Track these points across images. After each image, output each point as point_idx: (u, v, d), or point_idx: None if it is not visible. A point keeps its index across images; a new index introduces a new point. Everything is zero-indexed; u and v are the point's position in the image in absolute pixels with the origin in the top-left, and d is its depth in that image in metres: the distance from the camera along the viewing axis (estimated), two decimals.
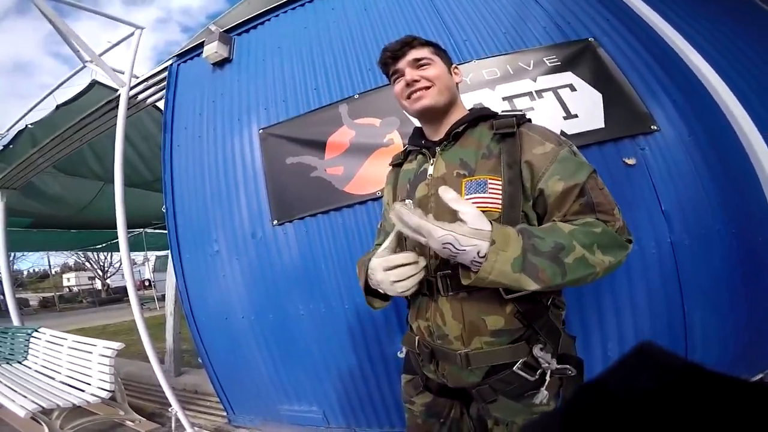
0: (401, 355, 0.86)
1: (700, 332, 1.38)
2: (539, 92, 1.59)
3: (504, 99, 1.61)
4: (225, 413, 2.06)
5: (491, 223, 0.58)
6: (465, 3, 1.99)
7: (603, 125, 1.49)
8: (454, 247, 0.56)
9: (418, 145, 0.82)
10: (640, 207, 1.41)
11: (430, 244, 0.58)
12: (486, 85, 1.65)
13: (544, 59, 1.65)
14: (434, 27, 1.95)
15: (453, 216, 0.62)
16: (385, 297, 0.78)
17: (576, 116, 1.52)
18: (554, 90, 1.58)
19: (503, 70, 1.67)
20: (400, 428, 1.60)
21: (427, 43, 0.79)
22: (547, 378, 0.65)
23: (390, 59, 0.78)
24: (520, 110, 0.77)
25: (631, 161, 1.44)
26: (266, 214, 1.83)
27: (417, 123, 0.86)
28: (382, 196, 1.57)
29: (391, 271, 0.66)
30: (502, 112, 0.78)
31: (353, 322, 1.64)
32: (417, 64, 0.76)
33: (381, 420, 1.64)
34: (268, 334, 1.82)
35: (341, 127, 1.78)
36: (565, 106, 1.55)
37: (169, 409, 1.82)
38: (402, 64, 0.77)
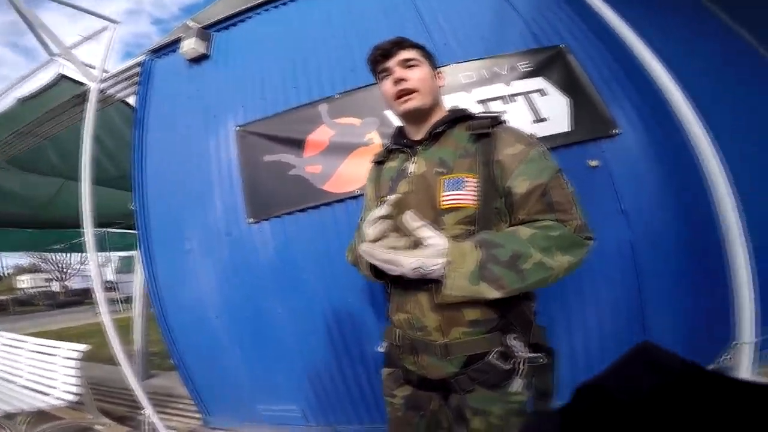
0: (381, 350, 0.91)
1: (655, 324, 1.53)
2: (512, 96, 1.71)
3: (479, 102, 1.72)
4: (200, 415, 2.06)
5: (449, 241, 0.67)
6: (447, 7, 2.09)
7: (570, 128, 1.63)
8: (424, 269, 0.65)
9: (401, 144, 0.89)
10: (602, 207, 1.55)
11: (404, 272, 0.67)
12: (462, 89, 1.76)
13: (518, 64, 1.77)
14: (416, 29, 2.04)
15: (430, 208, 0.75)
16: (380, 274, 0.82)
17: (545, 120, 1.65)
18: (526, 94, 1.71)
19: (479, 75, 1.78)
20: (381, 424, 1.66)
21: (416, 46, 0.86)
22: (521, 366, 0.71)
23: (380, 56, 0.84)
24: (496, 112, 0.85)
25: (594, 163, 1.58)
26: (241, 212, 1.87)
27: (398, 122, 0.93)
28: (361, 195, 1.65)
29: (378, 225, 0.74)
30: (479, 113, 0.86)
31: (332, 320, 1.70)
32: (406, 64, 0.83)
33: (362, 416, 1.70)
34: (244, 333, 1.85)
35: (321, 125, 1.84)
36: (535, 109, 1.67)
37: (142, 412, 1.82)
38: (391, 62, 0.83)
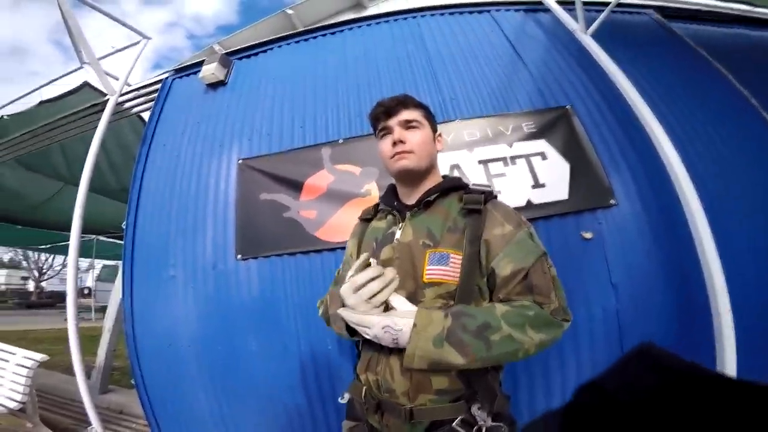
0: (342, 401, 0.88)
1: None
2: (513, 158, 1.73)
3: (480, 162, 1.74)
4: None
5: (418, 308, 0.70)
6: (459, 61, 2.18)
7: (567, 197, 1.63)
8: (393, 329, 0.66)
9: (390, 205, 0.89)
10: (592, 278, 1.53)
11: (374, 332, 0.68)
12: (465, 147, 1.79)
13: (523, 125, 1.80)
14: (426, 82, 2.13)
15: (411, 279, 0.76)
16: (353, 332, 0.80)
17: (543, 185, 1.66)
18: (527, 157, 1.73)
19: (483, 133, 1.82)
20: None
21: (419, 106, 0.87)
22: None
23: (382, 114, 0.85)
24: (488, 186, 0.86)
25: (588, 235, 1.57)
26: (231, 247, 1.85)
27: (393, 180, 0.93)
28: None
29: (363, 290, 0.70)
30: (473, 185, 0.86)
31: (308, 363, 1.64)
32: (407, 125, 0.84)
33: None
34: (214, 365, 1.77)
35: (321, 170, 1.87)
36: (534, 174, 1.69)
37: (89, 428, 1.75)
38: (392, 122, 0.84)
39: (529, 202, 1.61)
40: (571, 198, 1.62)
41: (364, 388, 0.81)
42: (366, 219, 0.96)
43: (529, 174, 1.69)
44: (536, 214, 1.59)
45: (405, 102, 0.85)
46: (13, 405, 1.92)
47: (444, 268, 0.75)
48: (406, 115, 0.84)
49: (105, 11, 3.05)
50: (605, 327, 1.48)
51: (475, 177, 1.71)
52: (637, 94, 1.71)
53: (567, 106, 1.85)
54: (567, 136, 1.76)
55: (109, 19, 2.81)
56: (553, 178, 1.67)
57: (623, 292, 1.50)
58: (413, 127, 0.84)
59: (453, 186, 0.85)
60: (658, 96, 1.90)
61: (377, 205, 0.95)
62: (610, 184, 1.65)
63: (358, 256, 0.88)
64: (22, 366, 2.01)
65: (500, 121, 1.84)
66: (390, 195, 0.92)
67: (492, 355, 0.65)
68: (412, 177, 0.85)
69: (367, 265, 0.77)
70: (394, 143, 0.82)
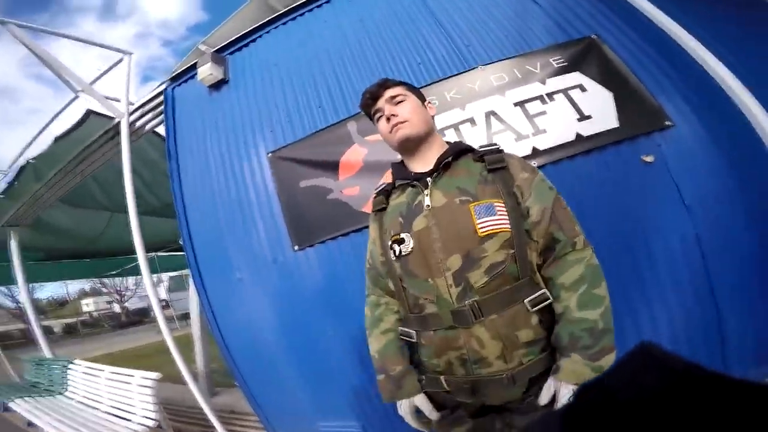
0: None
1: (734, 325, 1.40)
2: (550, 95, 1.60)
3: (516, 104, 1.61)
4: (265, 431, 2.17)
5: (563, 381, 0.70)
6: (462, 8, 1.96)
7: (617, 124, 1.50)
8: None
9: (408, 177, 0.85)
10: (662, 203, 1.43)
11: None
12: (496, 92, 1.65)
13: (551, 60, 1.64)
14: (434, 34, 1.94)
15: (462, 239, 0.73)
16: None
17: (590, 117, 1.53)
18: (565, 91, 1.59)
19: (511, 75, 1.67)
20: None
21: (399, 83, 0.89)
22: None
23: (370, 101, 0.88)
24: (494, 144, 0.86)
25: (648, 158, 1.46)
26: (285, 239, 1.86)
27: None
28: None
29: None
30: (480, 147, 0.87)
31: None
32: (393, 101, 0.86)
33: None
34: (298, 355, 1.87)
35: (352, 145, 1.80)
36: (577, 107, 1.55)
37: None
38: (380, 103, 0.87)
39: (578, 136, 1.50)
40: (622, 125, 1.49)
41: (442, 377, 0.78)
42: (380, 209, 0.89)
43: (571, 108, 1.55)
44: (589, 146, 1.48)
45: (385, 84, 0.88)
46: (151, 423, 2.06)
47: (494, 218, 0.73)
48: (390, 92, 0.86)
49: (75, 36, 2.93)
50: (686, 258, 1.39)
51: (513, 121, 1.59)
52: (663, 14, 1.50)
53: (592, 36, 1.67)
54: (602, 65, 1.61)
55: (73, 44, 2.70)
56: (598, 108, 1.53)
57: (700, 216, 1.40)
58: (400, 102, 0.86)
59: (463, 149, 0.86)
60: (688, 18, 1.63)
61: (385, 190, 0.90)
62: (661, 105, 1.51)
63: (381, 242, 0.85)
64: (145, 386, 2.14)
65: (526, 60, 1.68)
66: (401, 169, 0.89)
67: (610, 317, 0.72)
68: (414, 143, 0.85)
69: (401, 240, 0.77)
70: (388, 119, 0.84)
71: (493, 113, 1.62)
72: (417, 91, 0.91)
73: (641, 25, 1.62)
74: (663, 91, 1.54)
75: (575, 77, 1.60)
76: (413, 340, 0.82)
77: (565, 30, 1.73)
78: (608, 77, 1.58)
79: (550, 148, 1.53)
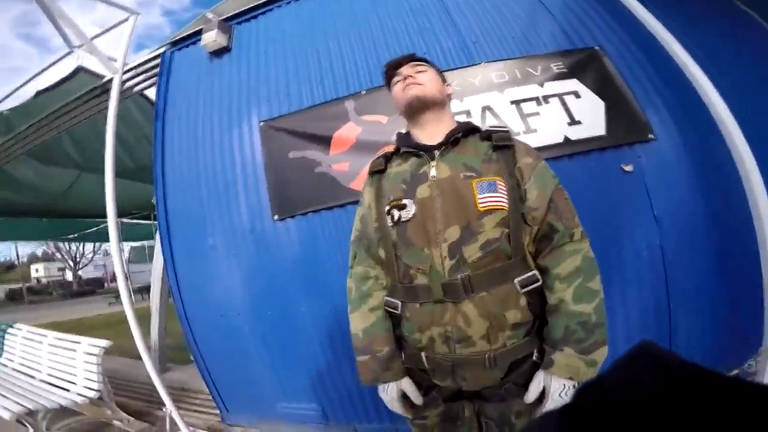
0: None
1: (682, 328, 1.48)
2: (545, 98, 1.65)
3: (512, 103, 1.65)
4: (217, 411, 2.03)
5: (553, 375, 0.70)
6: (475, 5, 2.01)
7: (604, 132, 1.56)
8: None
9: (415, 147, 0.84)
10: (634, 211, 1.49)
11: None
12: (495, 88, 1.68)
13: (552, 65, 1.70)
14: (444, 27, 1.97)
15: (463, 212, 0.73)
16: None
17: (579, 123, 1.58)
18: (560, 96, 1.64)
19: (511, 74, 1.71)
20: (401, 424, 1.63)
21: (425, 60, 0.92)
22: None
23: (393, 68, 0.90)
24: (503, 126, 0.87)
25: (628, 168, 1.52)
26: (266, 208, 1.80)
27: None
28: None
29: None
30: (489, 127, 0.87)
31: None
32: (415, 68, 0.88)
33: (382, 415, 1.64)
34: (266, 331, 1.79)
35: (347, 122, 1.78)
36: (569, 112, 1.61)
37: (163, 409, 1.77)
38: (402, 69, 0.88)
39: (566, 139, 1.54)
40: (608, 133, 1.54)
41: (422, 354, 0.75)
42: (377, 171, 0.88)
43: (563, 112, 1.60)
44: (575, 150, 1.53)
45: (412, 56, 0.91)
46: (92, 394, 1.90)
47: (495, 195, 0.74)
48: (414, 62, 0.89)
49: None
50: (650, 266, 1.46)
51: (507, 118, 1.62)
52: (667, 32, 1.58)
53: (595, 47, 1.74)
54: (600, 75, 1.67)
55: (75, 3, 2.61)
56: (588, 115, 1.58)
57: (667, 227, 1.46)
58: (421, 70, 0.87)
59: (472, 128, 0.86)
60: (690, 39, 1.76)
61: (389, 154, 0.89)
62: (647, 120, 1.58)
63: (377, 207, 0.83)
64: (91, 354, 1.98)
65: (528, 63, 1.73)
66: (407, 139, 0.88)
67: (603, 319, 0.72)
68: (423, 105, 0.84)
69: (402, 206, 0.75)
70: (405, 80, 0.85)
71: (489, 108, 1.66)
72: (439, 71, 0.93)
73: (644, 41, 1.69)
74: (652, 106, 1.61)
75: (572, 84, 1.65)
76: (397, 312, 0.79)
77: (570, 38, 1.80)
78: (603, 88, 1.64)
79: (538, 147, 1.56)
